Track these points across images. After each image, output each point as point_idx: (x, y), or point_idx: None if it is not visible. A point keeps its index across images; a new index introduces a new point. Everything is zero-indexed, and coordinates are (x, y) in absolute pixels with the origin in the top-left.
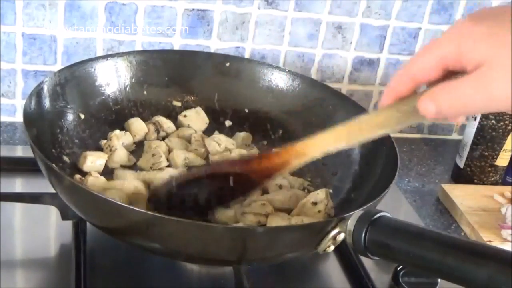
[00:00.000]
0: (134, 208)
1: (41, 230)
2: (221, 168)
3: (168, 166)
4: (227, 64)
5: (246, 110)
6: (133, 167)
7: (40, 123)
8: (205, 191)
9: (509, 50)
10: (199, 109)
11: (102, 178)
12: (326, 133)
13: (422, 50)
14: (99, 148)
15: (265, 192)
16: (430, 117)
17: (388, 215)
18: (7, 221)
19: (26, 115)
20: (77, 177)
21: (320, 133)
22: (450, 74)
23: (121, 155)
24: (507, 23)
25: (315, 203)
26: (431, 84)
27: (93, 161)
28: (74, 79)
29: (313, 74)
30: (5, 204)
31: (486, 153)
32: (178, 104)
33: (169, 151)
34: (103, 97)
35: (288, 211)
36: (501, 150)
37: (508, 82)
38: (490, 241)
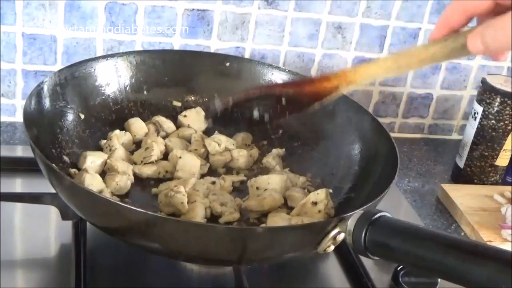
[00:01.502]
0: (134, 208)
1: (41, 230)
2: (272, 89)
3: (162, 159)
4: (227, 64)
5: None
6: None
7: (40, 123)
8: (260, 108)
9: None
10: (199, 109)
11: (98, 176)
12: (376, 62)
13: None
14: (99, 148)
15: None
16: (478, 53)
17: (388, 215)
18: (7, 221)
19: (26, 115)
20: (72, 171)
21: (369, 62)
22: (500, 8)
23: (121, 155)
24: None
25: (315, 203)
26: (482, 17)
27: (93, 161)
28: (74, 79)
29: (313, 74)
30: (5, 204)
31: (486, 153)
32: (178, 104)
33: (169, 151)
34: (103, 97)
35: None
36: (501, 150)
37: None
38: (490, 241)
